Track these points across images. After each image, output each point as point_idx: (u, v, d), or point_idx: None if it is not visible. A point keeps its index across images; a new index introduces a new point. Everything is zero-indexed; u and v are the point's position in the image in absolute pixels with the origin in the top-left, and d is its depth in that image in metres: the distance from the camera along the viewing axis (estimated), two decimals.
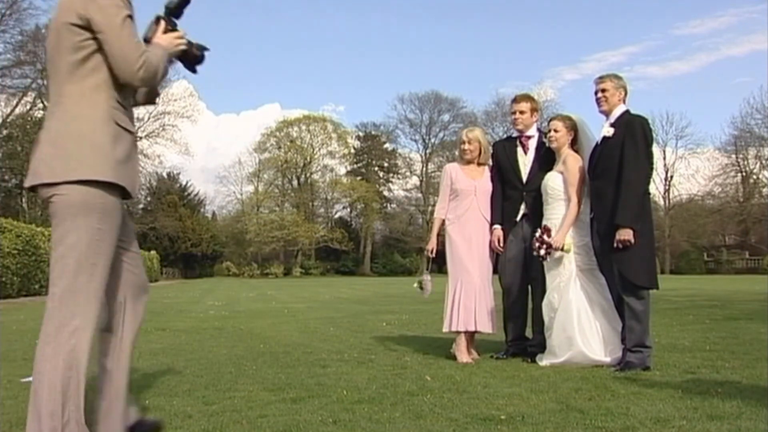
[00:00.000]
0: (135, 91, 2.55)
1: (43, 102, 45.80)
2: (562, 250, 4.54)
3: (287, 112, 76.31)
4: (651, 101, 74.21)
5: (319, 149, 65.10)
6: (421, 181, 63.85)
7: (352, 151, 66.18)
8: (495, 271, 5.14)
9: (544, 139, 4.96)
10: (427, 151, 64.12)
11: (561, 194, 4.68)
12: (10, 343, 6.32)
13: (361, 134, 66.44)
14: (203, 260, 58.21)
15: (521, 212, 5.01)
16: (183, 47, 2.55)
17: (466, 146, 5.10)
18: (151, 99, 2.66)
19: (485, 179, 5.13)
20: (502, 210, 5.06)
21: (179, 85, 54.07)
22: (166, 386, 3.93)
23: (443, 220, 5.17)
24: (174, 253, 54.34)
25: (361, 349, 5.61)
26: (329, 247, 60.50)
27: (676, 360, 4.69)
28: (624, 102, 4.55)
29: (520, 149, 5.11)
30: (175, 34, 2.51)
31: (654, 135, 4.81)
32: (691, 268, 51.54)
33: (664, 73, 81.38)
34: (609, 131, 4.47)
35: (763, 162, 54.02)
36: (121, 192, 2.35)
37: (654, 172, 4.82)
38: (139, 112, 51.79)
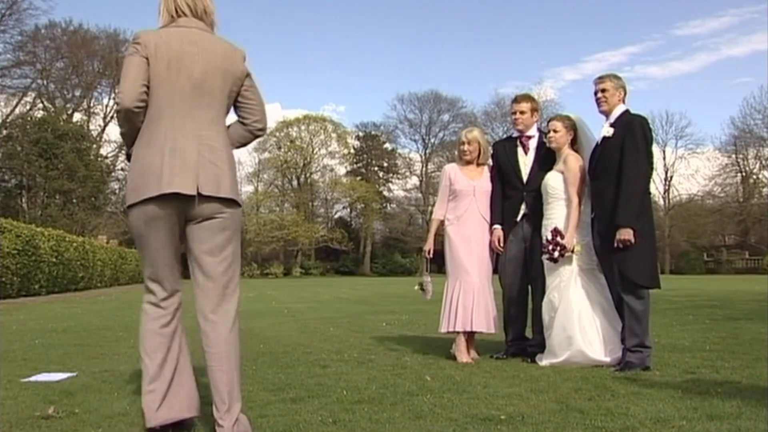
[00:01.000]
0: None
1: (42, 102, 45.89)
2: (572, 252, 4.55)
3: (288, 112, 76.43)
4: (651, 101, 74.18)
5: (319, 149, 65.09)
6: (420, 181, 63.83)
7: (352, 151, 66.15)
8: (495, 271, 5.15)
9: (545, 139, 4.97)
10: (427, 151, 64.11)
11: (561, 194, 4.69)
12: (10, 343, 6.32)
13: (360, 134, 66.41)
14: None
15: (521, 212, 5.01)
16: None
17: (466, 147, 5.11)
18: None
19: (484, 179, 5.13)
20: (502, 210, 5.06)
21: None
22: None
23: (441, 221, 5.17)
24: None
25: (361, 349, 5.61)
26: (329, 247, 60.48)
27: (676, 360, 4.70)
28: (623, 102, 4.56)
29: (520, 149, 5.11)
30: None
31: (654, 135, 4.80)
32: (691, 268, 51.54)
33: (665, 73, 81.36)
34: (609, 131, 4.47)
35: (763, 162, 54.08)
36: None
37: (654, 172, 4.82)
38: None
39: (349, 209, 66.61)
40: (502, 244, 5.01)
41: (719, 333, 6.43)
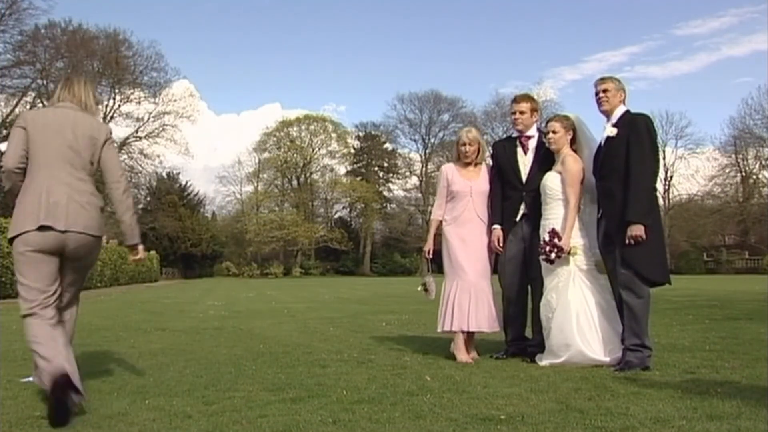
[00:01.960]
0: None
1: (42, 102, 45.82)
2: (568, 253, 4.55)
3: (288, 111, 76.35)
4: (651, 101, 74.28)
5: (319, 149, 65.14)
6: (420, 181, 63.86)
7: (352, 151, 66.18)
8: (495, 271, 5.14)
9: (544, 140, 4.96)
10: (427, 151, 64.15)
11: (559, 194, 4.69)
12: (10, 343, 6.33)
13: (360, 134, 66.44)
14: (203, 260, 58.18)
15: (521, 212, 5.01)
16: None
17: (468, 147, 5.10)
18: None
19: (482, 180, 5.12)
20: (501, 210, 5.06)
21: (179, 85, 54.19)
22: (166, 386, 3.93)
23: (441, 221, 5.17)
24: (174, 253, 54.32)
25: (361, 349, 5.61)
26: (329, 247, 60.50)
27: (675, 360, 4.70)
28: (624, 103, 4.57)
29: (519, 149, 5.11)
30: None
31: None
32: (690, 268, 51.51)
33: (665, 73, 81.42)
34: (612, 131, 4.47)
35: (763, 162, 54.07)
36: None
37: None
38: (140, 112, 51.98)
39: (349, 209, 66.64)
40: (501, 244, 5.01)
41: (719, 333, 6.43)
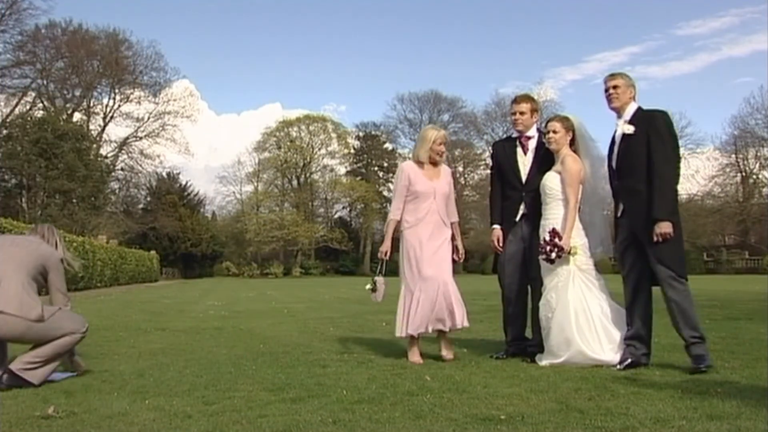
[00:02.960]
0: None
1: (42, 102, 45.92)
2: (569, 253, 4.55)
3: (288, 111, 76.38)
4: (651, 101, 72.33)
5: (319, 149, 65.17)
6: None
7: (352, 151, 66.19)
8: (494, 270, 5.13)
9: (544, 140, 4.96)
10: None
11: (558, 194, 4.69)
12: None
13: (360, 134, 66.46)
14: (203, 260, 58.18)
15: (520, 212, 5.01)
16: None
17: (443, 147, 5.03)
18: None
19: (443, 180, 5.03)
20: (501, 210, 5.06)
21: (179, 85, 54.28)
22: (166, 386, 3.93)
23: (399, 221, 5.00)
24: (174, 253, 54.33)
25: (361, 349, 5.61)
26: (329, 247, 60.52)
27: (676, 360, 4.70)
28: (635, 100, 4.54)
29: (519, 150, 5.10)
30: None
31: None
32: (690, 268, 50.51)
33: (665, 73, 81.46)
34: (629, 129, 4.42)
35: (763, 162, 54.03)
36: None
37: None
38: (140, 112, 52.03)
39: (348, 209, 66.65)
40: (501, 244, 5.01)
41: (719, 333, 6.42)
